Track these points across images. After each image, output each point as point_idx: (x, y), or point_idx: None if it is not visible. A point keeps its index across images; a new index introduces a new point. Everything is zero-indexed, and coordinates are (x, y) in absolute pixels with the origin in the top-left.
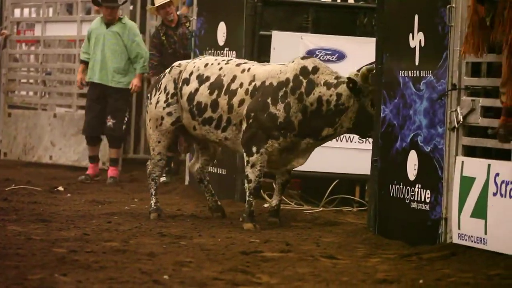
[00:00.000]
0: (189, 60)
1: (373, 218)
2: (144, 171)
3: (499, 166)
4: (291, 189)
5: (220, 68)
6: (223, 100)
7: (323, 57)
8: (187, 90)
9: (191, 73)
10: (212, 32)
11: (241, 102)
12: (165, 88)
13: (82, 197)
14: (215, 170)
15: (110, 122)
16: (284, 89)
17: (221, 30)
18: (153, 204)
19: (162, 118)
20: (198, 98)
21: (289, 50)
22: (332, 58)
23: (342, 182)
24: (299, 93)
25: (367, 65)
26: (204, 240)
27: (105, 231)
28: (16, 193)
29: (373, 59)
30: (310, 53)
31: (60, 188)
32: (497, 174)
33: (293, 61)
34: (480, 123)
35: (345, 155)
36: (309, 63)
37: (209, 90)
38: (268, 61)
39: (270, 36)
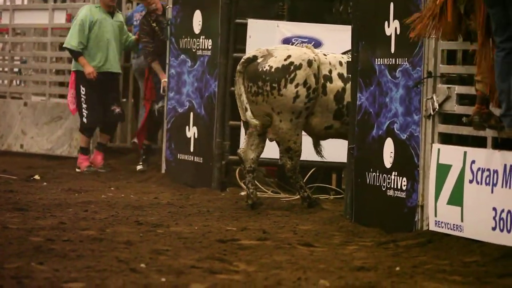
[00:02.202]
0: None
1: (350, 206)
2: (120, 160)
3: (475, 153)
4: (268, 177)
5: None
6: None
7: (299, 45)
8: (333, 88)
9: (329, 70)
10: (187, 20)
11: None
12: (305, 82)
13: (59, 186)
14: (192, 158)
15: (118, 110)
16: None
17: (197, 18)
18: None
19: (301, 112)
20: (347, 98)
21: (265, 38)
22: None
23: (318, 170)
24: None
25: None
26: (181, 228)
27: (81, 219)
28: None
29: (349, 47)
30: (287, 41)
31: (36, 177)
32: (473, 162)
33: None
34: (456, 111)
35: (321, 143)
36: None
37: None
38: (244, 50)
39: (246, 24)
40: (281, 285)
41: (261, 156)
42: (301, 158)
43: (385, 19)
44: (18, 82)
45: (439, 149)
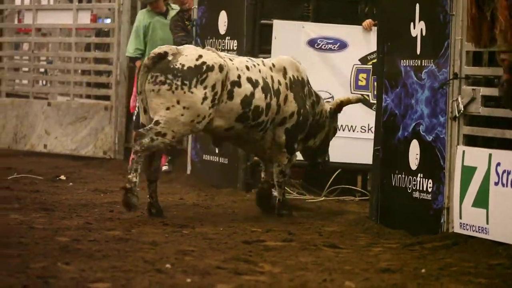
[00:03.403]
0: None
1: (375, 208)
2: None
3: (500, 155)
4: (293, 179)
5: (260, 71)
6: (273, 103)
7: (324, 46)
8: (241, 92)
9: (238, 76)
10: (213, 21)
11: (286, 98)
12: (214, 86)
13: (84, 186)
14: (217, 159)
15: None
16: (306, 87)
17: (222, 19)
18: (136, 183)
19: (204, 117)
20: (255, 102)
21: (291, 39)
22: (334, 47)
23: (344, 172)
24: (312, 100)
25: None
26: (206, 229)
27: (107, 220)
28: (18, 182)
29: (375, 48)
30: (312, 42)
31: (62, 177)
32: (499, 164)
33: (300, 64)
34: (481, 113)
35: (347, 145)
36: (306, 75)
37: (264, 95)
38: (269, 50)
39: (271, 25)
40: (306, 287)
41: None
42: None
43: (410, 20)
44: (43, 82)
45: (464, 151)
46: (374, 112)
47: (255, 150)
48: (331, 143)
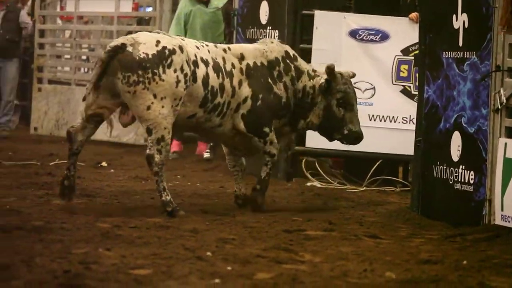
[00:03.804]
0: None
1: (417, 199)
2: (187, 148)
3: None
4: (334, 169)
5: (209, 51)
6: (227, 84)
7: (366, 37)
8: (199, 73)
9: (194, 55)
10: (254, 10)
11: (240, 83)
12: (182, 68)
13: (126, 173)
14: None
15: None
16: (277, 68)
17: (264, 9)
18: (172, 200)
19: (181, 98)
20: (211, 83)
21: (332, 30)
22: (376, 38)
23: (385, 162)
24: (291, 76)
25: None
26: (246, 217)
27: (148, 207)
28: (60, 168)
29: (416, 40)
30: (353, 33)
31: (104, 164)
32: None
33: (272, 42)
34: None
35: (388, 135)
36: (289, 50)
37: (215, 74)
38: (310, 41)
39: (312, 16)
40: (347, 276)
41: (328, 147)
42: (368, 150)
43: (453, 12)
44: (85, 69)
45: (506, 144)
46: (416, 103)
47: (223, 141)
48: (373, 133)
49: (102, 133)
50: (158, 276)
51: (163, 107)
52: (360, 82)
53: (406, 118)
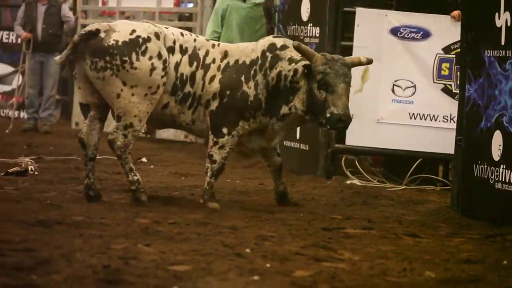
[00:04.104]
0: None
1: (457, 198)
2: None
3: None
4: (374, 167)
5: (195, 40)
6: (199, 74)
7: (407, 35)
8: (173, 60)
9: (174, 41)
10: (296, 7)
11: (212, 79)
12: (160, 54)
13: (165, 169)
14: (297, 146)
15: None
16: (254, 67)
17: (305, 6)
18: (140, 180)
19: (158, 86)
20: (181, 70)
21: (373, 27)
22: (417, 36)
23: (425, 161)
24: (264, 69)
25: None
26: (286, 215)
27: (188, 203)
28: (100, 163)
29: (458, 38)
30: (395, 31)
31: (144, 160)
32: None
33: (264, 39)
34: None
35: (429, 134)
36: (280, 42)
37: (189, 62)
38: (352, 38)
39: (354, 13)
40: (386, 275)
41: (367, 145)
42: (408, 149)
43: (495, 10)
44: None
45: None
46: (457, 102)
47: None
48: (413, 132)
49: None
50: (197, 272)
51: (133, 95)
52: (401, 80)
53: (447, 116)
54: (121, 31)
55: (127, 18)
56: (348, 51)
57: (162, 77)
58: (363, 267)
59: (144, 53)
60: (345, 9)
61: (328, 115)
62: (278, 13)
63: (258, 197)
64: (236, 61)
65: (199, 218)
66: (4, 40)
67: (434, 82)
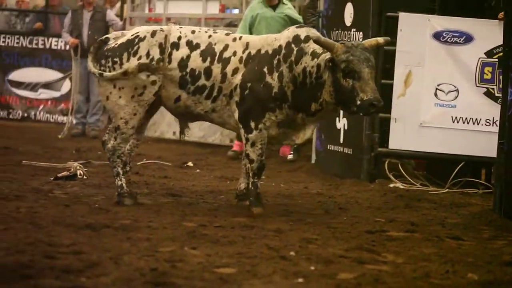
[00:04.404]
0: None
1: (499, 201)
2: (270, 150)
3: None
4: (417, 170)
5: (210, 36)
6: (216, 68)
7: (450, 39)
8: (178, 55)
9: (179, 38)
10: (339, 12)
11: (235, 71)
12: (148, 53)
13: (211, 173)
14: (341, 150)
15: None
16: (277, 56)
17: (348, 11)
18: (124, 185)
19: (145, 87)
20: (191, 65)
21: (416, 31)
22: (459, 40)
23: (468, 164)
24: (289, 62)
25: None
26: (330, 218)
27: (233, 206)
28: (148, 168)
29: (501, 42)
30: (437, 35)
31: (190, 164)
32: None
33: (288, 29)
34: None
35: (471, 137)
36: (303, 32)
37: (201, 58)
38: (395, 43)
39: (397, 18)
40: (429, 277)
41: (410, 149)
42: (450, 152)
43: None
44: None
45: None
46: (499, 106)
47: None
48: (456, 135)
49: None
50: (243, 275)
51: (120, 97)
52: (443, 84)
53: (489, 120)
54: (128, 34)
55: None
56: (392, 55)
57: (148, 76)
58: (406, 269)
59: (135, 53)
60: (388, 14)
61: (358, 102)
62: (322, 18)
63: (302, 200)
64: (258, 51)
65: (244, 221)
66: (53, 47)
67: (476, 86)
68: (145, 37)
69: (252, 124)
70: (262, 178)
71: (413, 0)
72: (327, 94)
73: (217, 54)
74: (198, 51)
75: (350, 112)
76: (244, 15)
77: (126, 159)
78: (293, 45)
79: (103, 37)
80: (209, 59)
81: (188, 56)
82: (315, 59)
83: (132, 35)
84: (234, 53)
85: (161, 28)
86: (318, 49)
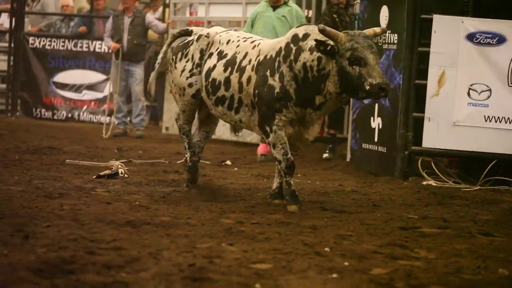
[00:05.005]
0: (216, 30)
1: None
2: (308, 148)
3: None
4: (450, 168)
5: (237, 46)
6: (234, 78)
7: (483, 41)
8: (207, 65)
9: (217, 47)
10: (374, 15)
11: (249, 79)
12: (192, 57)
13: (248, 171)
14: (376, 148)
15: None
16: (278, 58)
17: (384, 14)
18: (188, 159)
19: (184, 88)
20: (213, 75)
21: (450, 33)
22: (492, 42)
23: (499, 162)
24: (289, 61)
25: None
26: (364, 214)
27: (269, 204)
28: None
29: None
30: (470, 37)
31: (228, 162)
32: None
33: (290, 31)
34: None
35: (503, 136)
36: (301, 31)
37: (223, 68)
38: (429, 44)
39: (431, 20)
40: (460, 273)
41: (443, 147)
42: (483, 150)
43: None
44: None
45: None
46: None
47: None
48: (488, 133)
49: (227, 133)
50: (278, 270)
51: (176, 92)
52: (476, 84)
53: None
54: (202, 33)
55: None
56: (426, 56)
57: (187, 78)
58: (438, 265)
59: (186, 55)
60: (423, 16)
61: (367, 87)
62: (357, 21)
63: (337, 197)
64: (265, 56)
65: (280, 218)
66: (97, 50)
67: (508, 86)
68: (192, 40)
69: (268, 128)
70: (298, 176)
71: (447, 2)
72: (332, 84)
73: (237, 64)
74: (223, 61)
75: (358, 98)
76: (251, 14)
77: (196, 149)
78: (291, 45)
79: (186, 28)
80: (229, 69)
81: (214, 66)
82: (314, 53)
83: (196, 34)
84: (249, 61)
85: (207, 33)
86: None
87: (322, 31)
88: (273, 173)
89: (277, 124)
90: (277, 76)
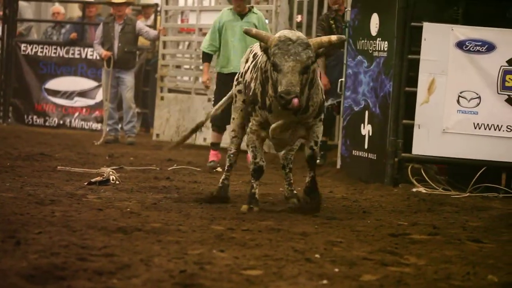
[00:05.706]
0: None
1: None
2: (297, 155)
3: None
4: (439, 175)
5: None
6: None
7: (473, 48)
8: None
9: (254, 55)
10: (365, 22)
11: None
12: (244, 67)
13: (240, 178)
14: (366, 155)
15: None
16: (253, 64)
17: (374, 21)
18: (221, 179)
19: (235, 95)
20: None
21: (439, 41)
22: (482, 49)
23: (488, 169)
24: (259, 65)
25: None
26: (354, 221)
27: (260, 211)
28: (178, 173)
29: None
30: (460, 44)
31: (219, 169)
32: None
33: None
34: None
35: (492, 143)
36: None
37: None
38: (419, 52)
39: (421, 28)
40: (450, 279)
41: (433, 154)
42: (472, 157)
43: None
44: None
45: None
46: None
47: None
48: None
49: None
50: (269, 276)
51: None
52: (466, 92)
53: (510, 126)
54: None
55: (204, 34)
56: (416, 64)
57: (235, 86)
58: (428, 271)
59: (245, 63)
60: (413, 24)
61: (278, 94)
62: (348, 29)
63: (328, 204)
64: (255, 64)
65: (271, 224)
66: (89, 57)
67: (498, 93)
68: (251, 49)
69: (248, 129)
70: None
71: (437, 10)
72: (270, 87)
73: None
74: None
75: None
76: (214, 22)
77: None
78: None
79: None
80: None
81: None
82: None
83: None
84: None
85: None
86: None
87: (246, 33)
88: (264, 181)
89: (250, 127)
90: (253, 80)
